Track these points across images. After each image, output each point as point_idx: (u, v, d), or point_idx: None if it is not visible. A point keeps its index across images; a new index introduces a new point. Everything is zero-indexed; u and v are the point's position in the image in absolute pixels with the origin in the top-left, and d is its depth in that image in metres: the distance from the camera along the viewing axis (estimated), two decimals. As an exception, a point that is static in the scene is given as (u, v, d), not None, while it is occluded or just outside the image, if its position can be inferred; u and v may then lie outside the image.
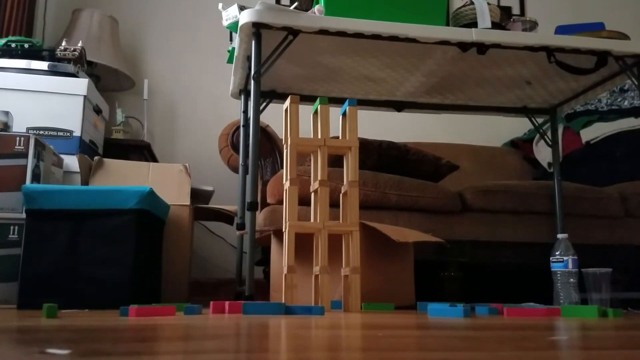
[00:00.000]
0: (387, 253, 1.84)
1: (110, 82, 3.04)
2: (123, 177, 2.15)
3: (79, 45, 2.38)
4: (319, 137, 1.68)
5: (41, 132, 2.16)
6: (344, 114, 1.75)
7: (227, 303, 1.42)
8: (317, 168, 1.68)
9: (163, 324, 0.97)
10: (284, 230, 1.64)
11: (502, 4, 3.61)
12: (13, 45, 2.33)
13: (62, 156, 2.11)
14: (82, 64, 2.37)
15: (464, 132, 3.43)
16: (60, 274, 1.62)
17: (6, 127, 1.94)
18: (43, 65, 2.25)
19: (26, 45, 2.35)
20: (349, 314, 1.45)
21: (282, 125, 1.80)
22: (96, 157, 2.19)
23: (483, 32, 1.85)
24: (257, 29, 1.75)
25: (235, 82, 2.18)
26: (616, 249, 2.39)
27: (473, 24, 1.93)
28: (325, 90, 2.34)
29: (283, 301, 1.53)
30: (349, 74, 2.15)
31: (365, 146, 2.31)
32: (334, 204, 1.94)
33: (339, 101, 2.37)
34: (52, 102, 2.20)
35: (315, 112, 1.74)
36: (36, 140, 1.83)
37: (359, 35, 1.78)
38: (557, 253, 1.84)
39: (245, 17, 1.74)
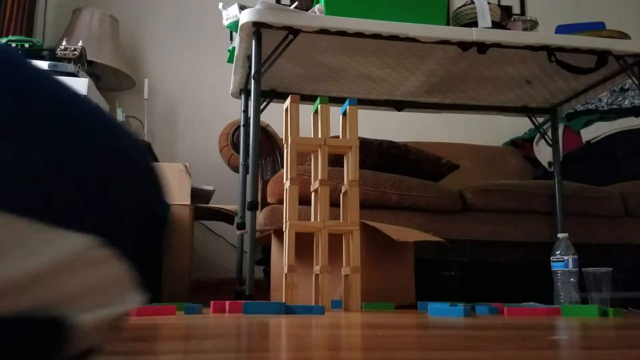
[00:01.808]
0: (387, 252, 1.84)
1: (110, 82, 3.04)
2: (123, 176, 2.15)
3: (79, 44, 2.38)
4: (319, 136, 1.67)
5: (41, 132, 2.16)
6: (344, 114, 1.75)
7: (227, 302, 1.42)
8: (318, 167, 1.68)
9: (163, 323, 0.97)
10: (284, 229, 1.64)
11: (503, 3, 3.60)
12: (13, 45, 2.33)
13: (63, 156, 2.11)
14: (82, 64, 2.37)
15: (465, 132, 3.43)
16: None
17: (6, 126, 1.94)
18: (43, 64, 2.25)
19: (26, 45, 2.35)
20: (349, 313, 1.45)
21: (283, 125, 1.80)
22: (96, 157, 2.19)
23: (483, 32, 1.85)
24: (258, 28, 1.75)
25: (235, 82, 2.18)
26: (616, 248, 2.39)
27: (473, 24, 1.93)
28: (326, 90, 2.34)
29: (283, 300, 1.53)
30: (349, 73, 2.15)
31: (366, 146, 2.31)
32: (334, 204, 1.94)
33: (339, 100, 2.37)
34: (53, 102, 2.20)
35: (316, 112, 1.74)
36: (36, 140, 1.82)
37: (359, 34, 1.78)
38: (557, 252, 1.84)
39: (245, 17, 1.74)
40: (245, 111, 2.22)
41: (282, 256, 1.78)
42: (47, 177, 0.27)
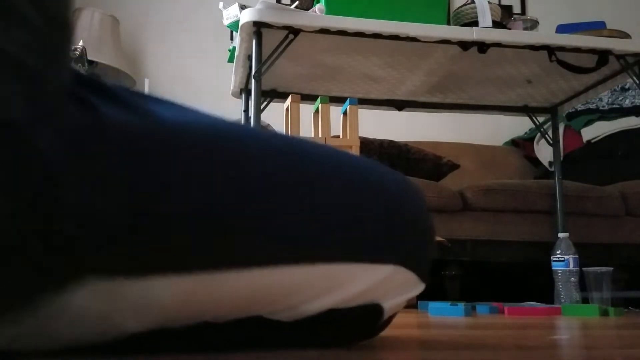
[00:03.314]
0: (388, 252, 1.84)
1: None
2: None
3: (80, 44, 2.39)
4: (320, 136, 1.68)
5: (42, 132, 2.16)
6: (344, 113, 1.75)
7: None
8: (318, 167, 1.67)
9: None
10: (284, 229, 1.64)
11: (503, 2, 3.60)
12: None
13: (63, 155, 2.11)
14: (82, 64, 2.37)
15: (465, 131, 3.43)
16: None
17: (7, 126, 1.94)
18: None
19: (27, 45, 2.34)
20: (349, 313, 1.45)
21: (283, 125, 1.80)
22: (97, 157, 2.19)
23: (484, 31, 1.85)
24: (258, 28, 1.75)
25: (236, 82, 2.18)
26: (617, 247, 2.39)
27: (474, 23, 1.93)
28: (326, 89, 2.35)
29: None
30: (349, 72, 2.15)
31: (366, 145, 2.32)
32: (334, 203, 1.94)
33: (339, 100, 2.37)
34: (53, 102, 2.19)
35: (316, 111, 1.75)
36: (37, 140, 1.82)
37: (359, 34, 1.78)
38: (558, 252, 1.84)
39: (246, 17, 1.74)
40: (246, 111, 2.23)
41: (282, 256, 1.78)
42: (374, 229, 0.51)
